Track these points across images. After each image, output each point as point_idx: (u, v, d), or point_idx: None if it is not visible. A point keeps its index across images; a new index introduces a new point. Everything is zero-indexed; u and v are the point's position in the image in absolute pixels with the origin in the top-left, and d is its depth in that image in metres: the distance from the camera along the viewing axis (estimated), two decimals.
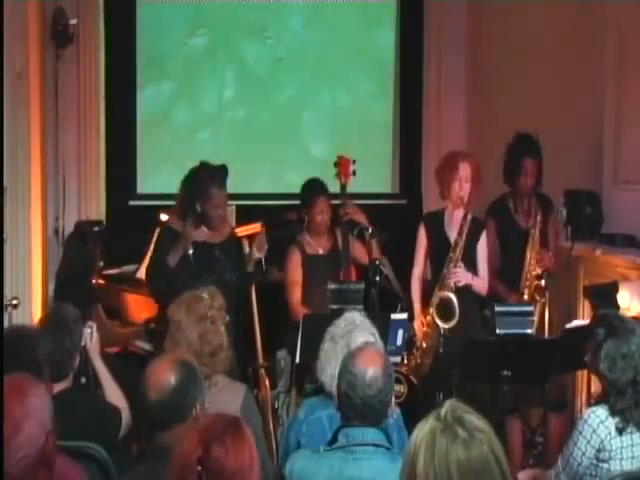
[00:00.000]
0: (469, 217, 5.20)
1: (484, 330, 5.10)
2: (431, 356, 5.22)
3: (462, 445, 2.13)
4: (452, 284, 5.15)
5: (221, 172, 5.06)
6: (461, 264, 5.18)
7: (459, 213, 5.28)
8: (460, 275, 5.16)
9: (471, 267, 5.26)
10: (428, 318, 5.23)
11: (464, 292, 5.18)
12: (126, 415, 3.88)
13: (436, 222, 5.39)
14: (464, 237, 5.19)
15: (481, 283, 5.30)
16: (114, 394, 3.97)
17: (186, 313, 3.86)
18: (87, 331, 4.01)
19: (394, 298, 5.75)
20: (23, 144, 5.35)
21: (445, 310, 5.10)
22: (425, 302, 5.31)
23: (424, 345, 5.26)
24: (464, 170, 5.23)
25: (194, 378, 3.10)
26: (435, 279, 5.29)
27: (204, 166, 5.04)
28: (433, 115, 7.40)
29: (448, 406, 2.21)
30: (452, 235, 5.28)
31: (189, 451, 2.42)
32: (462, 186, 5.23)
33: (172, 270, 4.86)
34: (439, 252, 5.30)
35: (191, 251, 4.86)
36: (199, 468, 2.39)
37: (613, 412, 3.54)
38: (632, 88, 5.76)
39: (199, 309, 3.88)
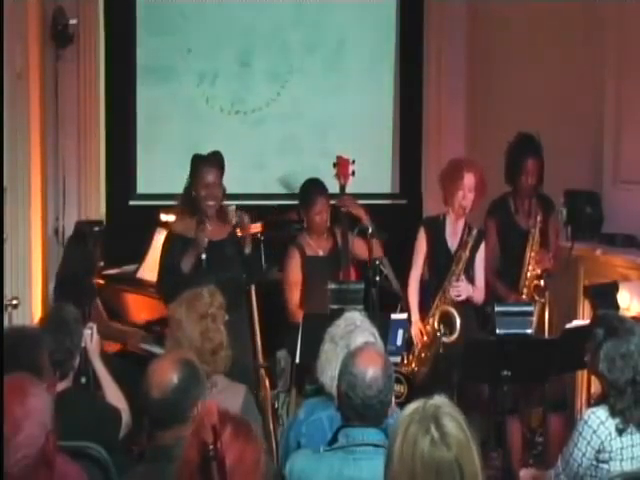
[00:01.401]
0: (474, 231, 5.21)
1: (481, 334, 5.12)
2: (428, 365, 5.25)
3: (429, 442, 2.17)
4: (454, 297, 5.18)
5: (213, 156, 5.05)
6: (463, 277, 5.21)
7: (461, 222, 5.31)
8: (462, 289, 5.21)
9: (469, 277, 5.29)
10: (428, 328, 5.25)
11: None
12: (126, 415, 3.88)
13: (437, 228, 5.39)
14: (468, 252, 5.21)
15: (479, 294, 5.34)
16: (114, 395, 3.97)
17: (186, 311, 3.86)
18: (87, 332, 4.02)
19: (394, 298, 5.75)
20: (23, 144, 5.35)
21: (446, 324, 5.14)
22: (423, 307, 5.33)
23: (422, 355, 5.28)
24: (469, 180, 5.25)
25: (196, 377, 3.11)
26: (432, 284, 5.31)
27: (198, 155, 5.07)
28: (433, 115, 7.38)
29: (437, 401, 2.22)
30: (452, 244, 5.31)
31: (206, 415, 2.41)
32: (466, 195, 5.25)
33: (186, 275, 4.81)
34: (438, 259, 5.33)
35: (204, 256, 4.80)
36: (214, 431, 2.37)
37: (613, 412, 3.53)
38: (632, 88, 5.76)
39: (199, 307, 3.88)
